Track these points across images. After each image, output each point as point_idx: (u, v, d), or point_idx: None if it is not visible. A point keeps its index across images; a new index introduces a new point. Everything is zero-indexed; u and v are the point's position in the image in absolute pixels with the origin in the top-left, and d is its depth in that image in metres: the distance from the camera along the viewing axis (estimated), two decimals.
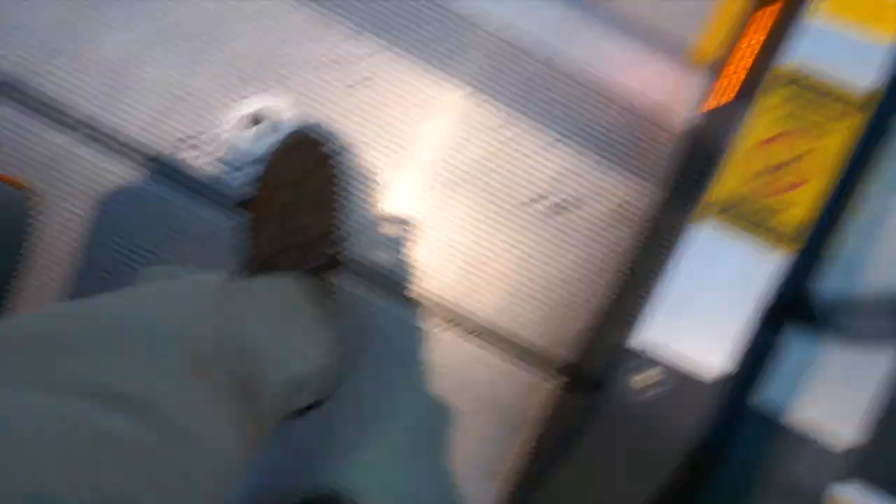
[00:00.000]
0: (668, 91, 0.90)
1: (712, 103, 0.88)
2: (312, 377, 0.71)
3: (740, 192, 0.74)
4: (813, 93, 0.74)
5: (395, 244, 0.90)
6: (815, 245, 0.71)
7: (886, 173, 0.71)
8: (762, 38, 0.86)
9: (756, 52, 0.87)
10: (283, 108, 0.88)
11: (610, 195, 0.91)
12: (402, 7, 0.90)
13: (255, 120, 0.87)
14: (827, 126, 0.73)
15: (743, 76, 0.87)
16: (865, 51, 0.74)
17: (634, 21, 0.93)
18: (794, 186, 0.72)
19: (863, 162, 0.72)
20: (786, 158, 0.73)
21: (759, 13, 0.90)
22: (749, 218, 0.74)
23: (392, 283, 0.90)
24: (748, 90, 0.82)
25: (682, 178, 0.88)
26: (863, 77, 0.74)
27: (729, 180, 0.74)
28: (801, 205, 0.72)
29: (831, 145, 0.73)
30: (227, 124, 0.88)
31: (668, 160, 0.91)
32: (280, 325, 0.68)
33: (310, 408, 0.80)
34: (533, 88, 0.90)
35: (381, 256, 0.90)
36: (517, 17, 0.90)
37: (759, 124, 0.74)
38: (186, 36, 0.88)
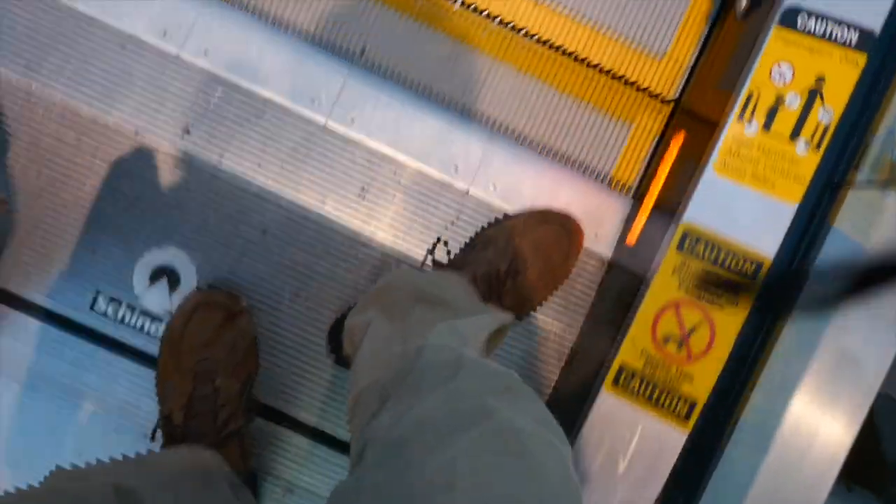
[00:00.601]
0: (591, 220, 0.93)
1: (632, 237, 0.91)
2: None
3: (641, 361, 0.78)
4: (710, 259, 0.77)
5: (313, 389, 0.93)
6: (714, 420, 0.75)
7: (783, 348, 0.75)
8: (667, 181, 0.90)
9: (662, 193, 0.90)
10: (188, 262, 0.91)
11: (536, 329, 0.94)
12: (301, 151, 0.92)
13: (163, 276, 0.90)
14: (725, 295, 0.76)
15: (652, 215, 0.90)
16: (763, 217, 0.77)
17: (553, 150, 0.96)
18: (693, 358, 0.76)
19: (762, 334, 0.75)
20: (687, 326, 0.76)
21: (670, 144, 0.93)
22: (649, 390, 0.77)
23: (312, 427, 0.93)
24: (656, 237, 0.85)
25: (603, 321, 0.91)
26: (760, 243, 0.77)
27: (632, 345, 0.78)
28: (699, 378, 0.76)
29: (730, 315, 0.76)
30: (135, 279, 0.90)
31: (593, 294, 0.94)
32: None
33: None
34: (452, 220, 0.93)
35: (299, 402, 0.93)
36: (427, 153, 0.92)
37: (661, 287, 0.78)
38: (89, 196, 0.91)
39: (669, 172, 0.94)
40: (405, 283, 0.79)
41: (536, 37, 0.97)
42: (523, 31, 0.97)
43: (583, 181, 0.96)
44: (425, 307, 0.71)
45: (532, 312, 0.93)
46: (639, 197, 0.96)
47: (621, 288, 0.94)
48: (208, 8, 0.91)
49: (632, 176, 0.98)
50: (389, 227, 0.93)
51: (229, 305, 0.87)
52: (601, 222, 0.94)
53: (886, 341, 0.80)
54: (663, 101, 0.98)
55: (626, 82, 0.98)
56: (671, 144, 0.95)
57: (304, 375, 0.92)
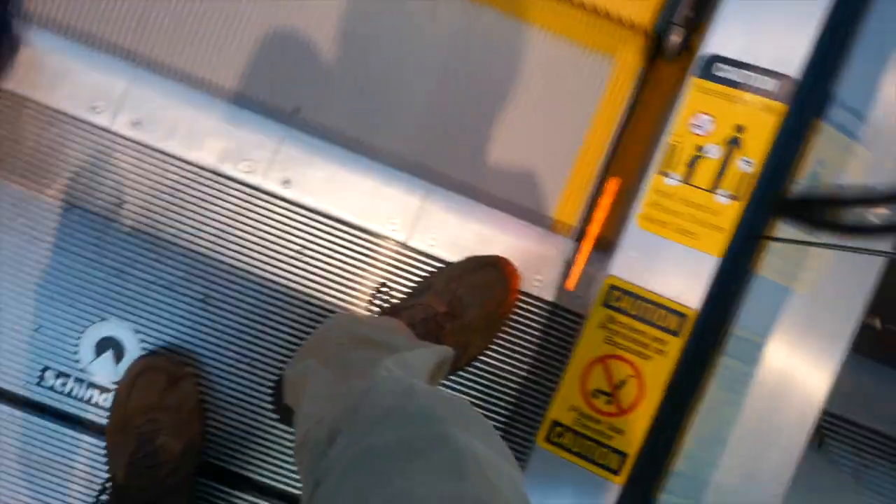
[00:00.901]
0: (533, 263, 0.96)
1: (571, 282, 0.94)
2: None
3: (572, 416, 0.81)
4: (636, 313, 0.80)
5: (261, 447, 0.97)
6: (647, 473, 0.78)
7: (715, 392, 0.78)
8: (607, 220, 0.93)
9: (603, 232, 0.93)
10: (131, 333, 0.94)
11: (483, 373, 0.97)
12: (237, 214, 0.95)
13: (108, 348, 0.93)
14: (651, 347, 0.79)
15: (594, 254, 0.93)
16: (687, 268, 0.79)
17: (495, 195, 0.99)
18: (623, 412, 0.79)
19: (690, 384, 0.78)
20: (615, 380, 0.79)
21: (606, 187, 0.96)
22: (580, 444, 0.80)
23: (261, 485, 0.96)
24: (599, 276, 0.88)
25: (548, 363, 0.94)
26: (684, 296, 0.80)
27: (563, 401, 0.81)
28: (630, 431, 0.79)
29: (657, 367, 0.79)
30: (80, 353, 0.94)
31: (538, 336, 0.96)
32: None
33: None
34: (392, 275, 0.96)
35: (247, 462, 0.96)
36: (365, 209, 0.95)
37: (588, 342, 0.81)
38: (29, 272, 0.94)
39: (609, 215, 0.97)
40: (341, 330, 0.82)
41: None
42: None
43: (524, 226, 0.98)
44: (365, 348, 0.74)
45: (477, 358, 0.96)
46: (579, 239, 0.99)
47: (565, 330, 0.98)
48: (138, 78, 0.94)
49: (573, 217, 1.00)
50: (330, 285, 0.96)
51: (173, 370, 0.91)
52: (543, 265, 0.97)
53: (824, 366, 0.83)
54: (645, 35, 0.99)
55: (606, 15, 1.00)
56: (606, 189, 0.97)
57: (252, 435, 0.96)
